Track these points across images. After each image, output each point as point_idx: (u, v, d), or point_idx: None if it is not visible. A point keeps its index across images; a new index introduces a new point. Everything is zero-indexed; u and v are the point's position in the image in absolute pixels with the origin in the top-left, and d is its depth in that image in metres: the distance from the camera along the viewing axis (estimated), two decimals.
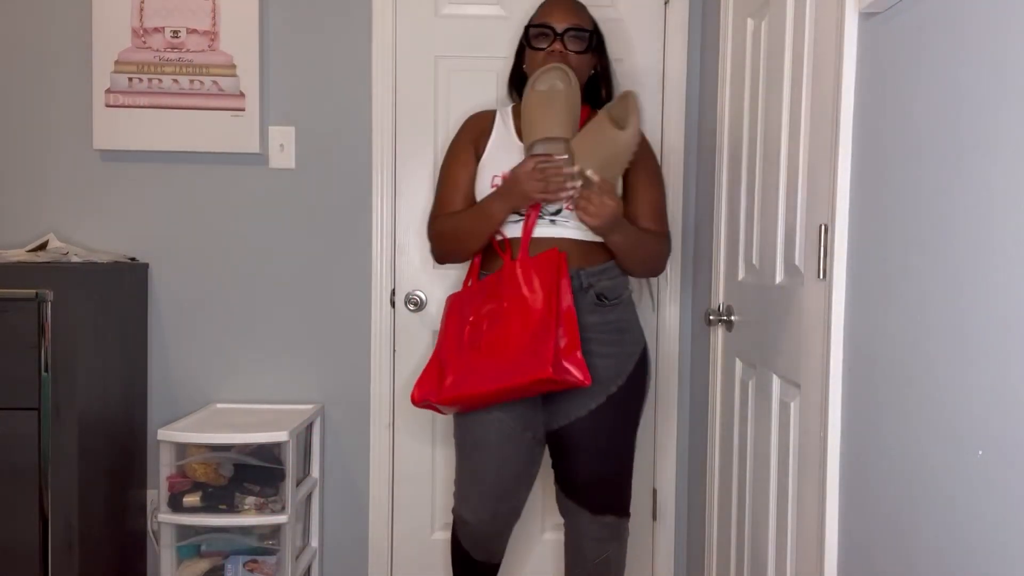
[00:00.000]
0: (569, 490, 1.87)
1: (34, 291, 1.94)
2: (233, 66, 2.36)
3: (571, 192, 1.68)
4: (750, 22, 1.85)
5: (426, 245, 2.17)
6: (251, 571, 2.18)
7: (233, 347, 2.45)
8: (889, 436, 1.16)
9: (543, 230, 1.80)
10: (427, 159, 2.42)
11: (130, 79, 2.35)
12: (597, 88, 1.98)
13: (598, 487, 1.86)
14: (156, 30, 2.35)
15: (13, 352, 1.95)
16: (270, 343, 2.45)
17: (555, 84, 1.73)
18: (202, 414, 2.33)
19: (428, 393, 1.78)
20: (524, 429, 1.82)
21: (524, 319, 1.69)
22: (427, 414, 2.40)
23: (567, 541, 1.94)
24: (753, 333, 1.79)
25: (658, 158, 2.45)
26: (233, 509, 2.13)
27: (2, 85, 2.40)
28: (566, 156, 1.69)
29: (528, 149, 1.75)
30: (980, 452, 0.92)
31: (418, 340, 2.44)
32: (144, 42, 2.35)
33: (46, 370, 1.95)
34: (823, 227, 1.37)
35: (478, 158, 1.89)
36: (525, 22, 1.92)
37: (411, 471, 2.47)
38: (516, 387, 1.68)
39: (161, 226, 2.43)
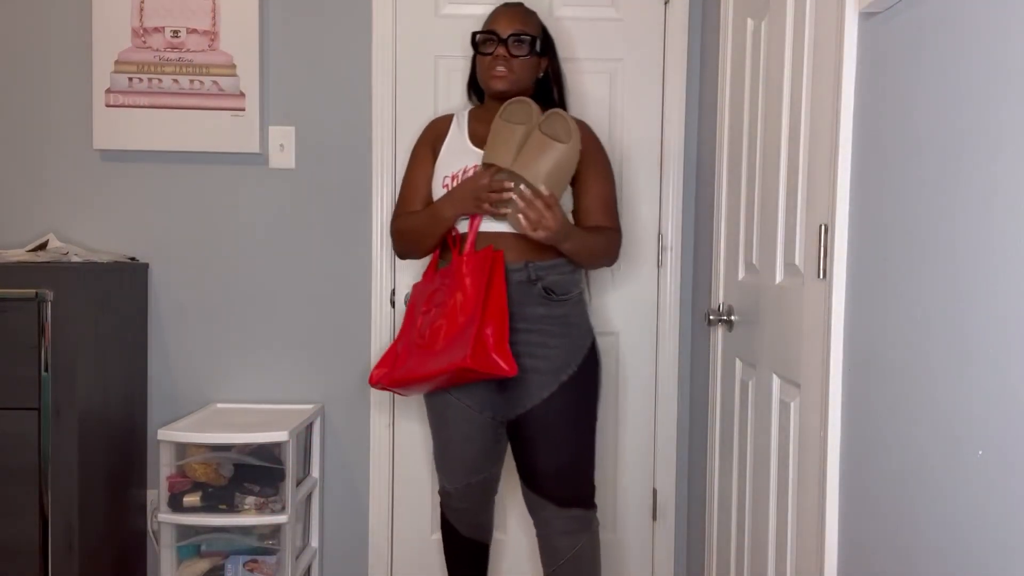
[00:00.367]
0: (531, 483, 1.92)
1: (34, 291, 1.94)
2: (233, 66, 2.36)
3: (508, 210, 1.79)
4: (750, 22, 1.85)
5: None
6: (251, 571, 2.18)
7: (233, 347, 2.45)
8: (889, 436, 1.16)
9: (499, 225, 1.87)
10: None
11: (130, 79, 2.35)
12: (548, 90, 2.07)
13: (558, 478, 1.91)
14: (156, 30, 2.35)
15: (13, 352, 1.95)
16: (270, 343, 2.45)
17: (518, 117, 1.84)
18: (202, 414, 2.33)
19: (382, 376, 1.91)
20: (482, 410, 1.94)
21: (459, 310, 1.81)
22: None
23: (539, 540, 1.98)
24: (753, 333, 1.79)
25: (659, 158, 2.46)
26: (233, 509, 2.14)
27: (2, 85, 2.40)
28: (517, 180, 1.80)
29: (484, 166, 1.85)
30: (980, 452, 0.92)
31: None
32: (144, 42, 2.35)
33: (46, 370, 1.95)
34: (823, 227, 1.37)
35: (435, 160, 2.00)
36: None
37: (411, 471, 2.47)
38: (445, 374, 1.78)
39: (161, 226, 2.43)
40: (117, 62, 2.34)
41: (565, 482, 1.91)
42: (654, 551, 2.53)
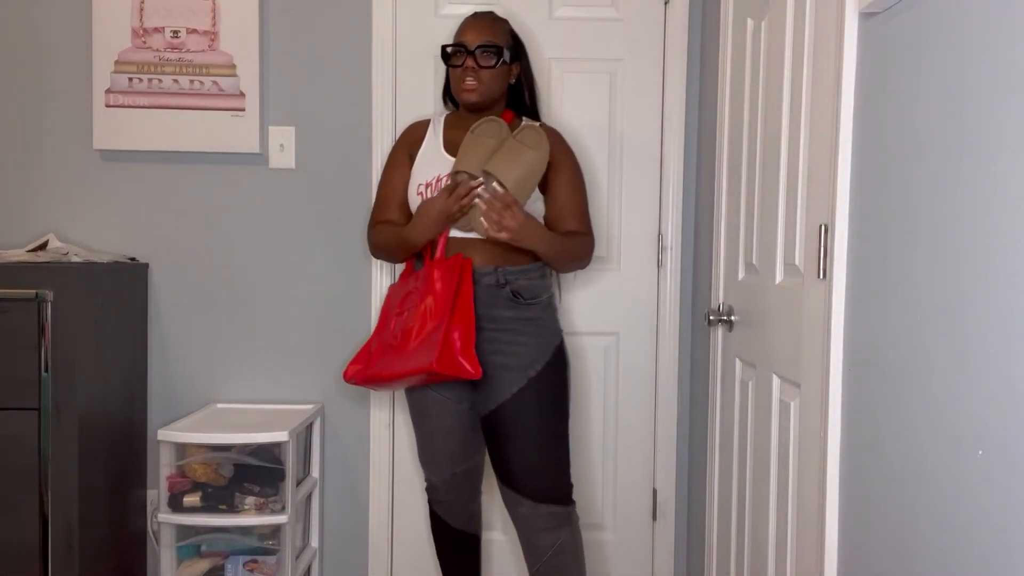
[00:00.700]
0: (506, 479, 1.95)
1: (34, 291, 1.94)
2: (233, 66, 2.36)
3: (481, 194, 1.86)
4: (750, 22, 1.85)
5: None
6: (251, 571, 2.18)
7: (233, 347, 2.45)
8: (889, 436, 1.16)
9: (470, 231, 1.93)
10: None
11: (130, 79, 2.35)
12: (520, 95, 2.10)
13: (532, 473, 1.93)
14: (156, 30, 2.35)
15: (13, 352, 1.95)
16: (270, 343, 2.45)
17: (489, 133, 1.92)
18: (202, 414, 2.33)
19: (355, 373, 1.97)
20: (459, 401, 2.01)
21: (429, 315, 1.87)
22: None
23: (520, 539, 2.00)
24: (753, 333, 1.79)
25: (659, 158, 2.46)
26: (233, 509, 2.14)
27: (2, 85, 2.40)
28: (478, 179, 1.88)
29: (452, 176, 1.92)
30: (980, 452, 0.92)
31: None
32: (144, 42, 2.35)
33: (46, 370, 1.95)
34: (823, 227, 1.37)
35: (412, 165, 2.05)
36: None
37: (411, 471, 2.47)
38: (415, 375, 1.84)
39: (161, 226, 2.43)
40: (117, 62, 2.34)
41: (539, 477, 1.93)
42: (654, 551, 2.53)
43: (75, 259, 2.18)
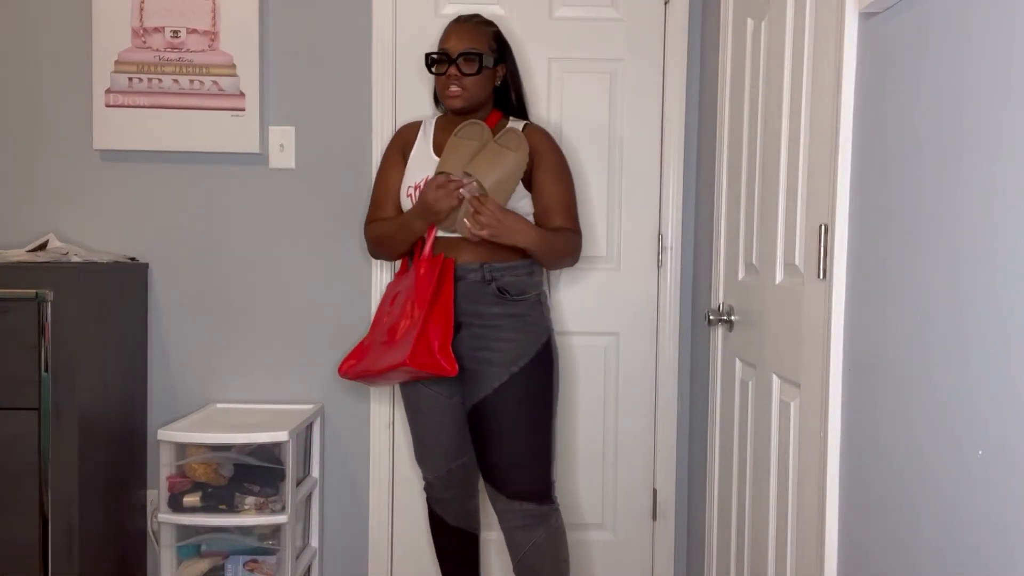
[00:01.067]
0: (486, 473, 1.98)
1: (34, 291, 1.94)
2: (233, 66, 2.36)
3: (463, 194, 1.90)
4: (750, 22, 1.85)
5: None
6: (251, 571, 2.18)
7: (233, 347, 2.45)
8: (889, 436, 1.16)
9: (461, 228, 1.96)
10: None
11: (130, 79, 2.35)
12: (507, 95, 2.11)
13: (510, 470, 1.95)
14: (156, 30, 2.35)
15: (13, 352, 1.95)
16: (270, 343, 2.45)
17: (471, 135, 1.98)
18: (202, 414, 2.33)
19: (348, 368, 2.01)
20: (451, 396, 2.05)
21: (411, 312, 1.92)
22: None
23: (503, 533, 2.02)
24: (753, 333, 1.79)
25: (659, 158, 2.46)
26: (233, 509, 2.13)
27: (2, 85, 2.40)
28: (462, 177, 1.93)
29: (437, 174, 1.96)
30: (980, 452, 0.92)
31: None
32: (144, 42, 2.35)
33: (46, 370, 1.95)
34: (823, 227, 1.37)
35: (405, 166, 2.09)
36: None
37: (411, 471, 2.47)
38: (393, 371, 1.89)
39: (161, 226, 2.43)
40: (117, 62, 2.34)
41: (514, 473, 1.95)
42: (654, 551, 2.53)
43: (75, 259, 2.18)
